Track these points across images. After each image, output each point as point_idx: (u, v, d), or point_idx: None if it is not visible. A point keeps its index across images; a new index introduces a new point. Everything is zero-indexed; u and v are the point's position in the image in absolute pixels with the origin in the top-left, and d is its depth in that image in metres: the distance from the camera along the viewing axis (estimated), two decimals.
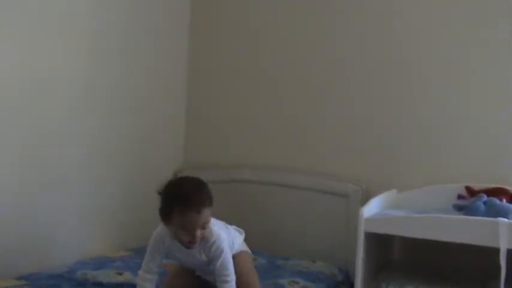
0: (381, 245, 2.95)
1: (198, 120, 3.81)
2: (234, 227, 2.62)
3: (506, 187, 2.91)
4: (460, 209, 2.82)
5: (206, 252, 2.28)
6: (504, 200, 2.77)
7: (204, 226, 2.20)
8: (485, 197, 2.73)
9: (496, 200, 2.70)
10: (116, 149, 3.29)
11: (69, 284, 2.58)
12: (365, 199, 3.04)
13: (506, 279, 2.45)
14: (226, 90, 3.74)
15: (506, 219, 2.46)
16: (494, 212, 2.59)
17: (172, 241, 2.27)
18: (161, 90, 3.62)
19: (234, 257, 2.40)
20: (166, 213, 2.18)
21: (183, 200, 2.15)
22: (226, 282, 2.27)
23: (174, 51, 3.73)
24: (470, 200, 2.80)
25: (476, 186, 2.97)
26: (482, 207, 2.67)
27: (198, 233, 2.17)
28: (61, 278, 2.65)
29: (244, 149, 3.66)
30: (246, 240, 3.49)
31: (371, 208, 2.79)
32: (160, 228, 2.30)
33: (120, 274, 2.81)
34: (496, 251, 2.44)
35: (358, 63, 3.38)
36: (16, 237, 2.74)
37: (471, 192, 2.96)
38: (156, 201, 3.53)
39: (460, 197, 2.99)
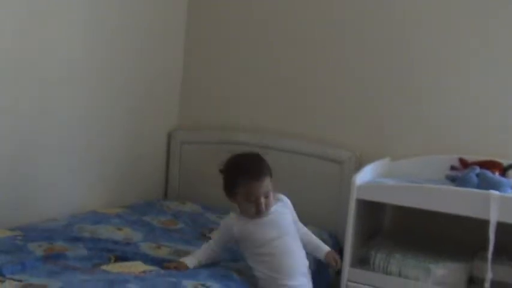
0: (372, 212, 2.97)
1: (193, 81, 3.79)
2: None
3: (499, 160, 2.92)
4: (452, 180, 2.83)
5: (279, 214, 2.40)
6: (496, 173, 2.79)
7: (267, 195, 2.33)
8: (478, 169, 2.74)
9: (489, 173, 2.71)
10: (111, 109, 3.27)
11: (65, 238, 2.58)
12: (359, 166, 3.06)
13: (495, 251, 2.48)
14: (222, 51, 3.71)
15: (497, 192, 2.48)
16: (486, 185, 2.60)
17: (242, 223, 2.38)
18: (157, 49, 3.58)
19: None
20: (231, 187, 2.33)
21: (243, 170, 2.32)
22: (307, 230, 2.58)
23: (171, 12, 3.69)
24: (463, 172, 2.81)
25: (470, 158, 2.98)
26: (474, 179, 2.68)
27: (262, 200, 2.31)
28: (57, 232, 2.65)
29: (239, 111, 3.65)
30: None
31: (364, 175, 2.80)
32: (228, 218, 2.44)
33: (120, 230, 2.83)
34: (486, 223, 2.46)
35: (355, 30, 3.35)
36: (8, 190, 2.73)
37: (464, 163, 2.98)
38: (149, 160, 3.59)
39: (453, 168, 3.00)
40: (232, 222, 2.40)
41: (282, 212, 2.43)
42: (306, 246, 2.50)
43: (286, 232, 2.39)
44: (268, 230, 2.35)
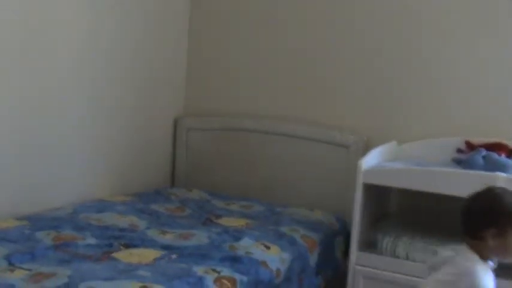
0: (379, 196, 2.98)
1: (199, 68, 3.78)
2: None
3: (506, 142, 2.91)
4: (459, 162, 2.83)
5: None
6: (503, 155, 2.79)
7: None
8: (484, 152, 2.74)
9: (495, 155, 2.71)
10: (116, 96, 3.27)
11: (73, 226, 2.60)
12: (365, 150, 3.06)
13: None
14: (228, 37, 3.70)
15: (504, 174, 2.49)
16: (493, 167, 2.60)
17: (485, 271, 2.00)
18: (162, 37, 3.58)
19: None
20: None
21: None
22: None
23: None
24: (469, 154, 2.81)
25: (476, 140, 2.98)
26: (480, 161, 2.68)
27: None
28: (63, 220, 2.66)
29: (245, 97, 3.65)
30: (245, 189, 3.54)
31: (370, 159, 2.80)
32: (474, 264, 2.01)
33: (124, 217, 2.84)
34: None
35: (360, 15, 3.34)
36: (15, 179, 2.75)
37: (470, 146, 2.97)
38: (155, 148, 3.60)
39: (459, 151, 3.00)
40: (484, 271, 1.98)
41: None
42: None
43: None
44: None
